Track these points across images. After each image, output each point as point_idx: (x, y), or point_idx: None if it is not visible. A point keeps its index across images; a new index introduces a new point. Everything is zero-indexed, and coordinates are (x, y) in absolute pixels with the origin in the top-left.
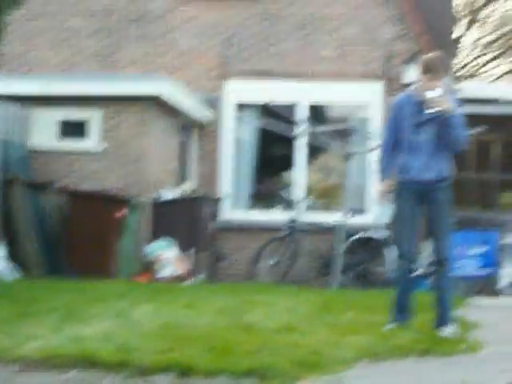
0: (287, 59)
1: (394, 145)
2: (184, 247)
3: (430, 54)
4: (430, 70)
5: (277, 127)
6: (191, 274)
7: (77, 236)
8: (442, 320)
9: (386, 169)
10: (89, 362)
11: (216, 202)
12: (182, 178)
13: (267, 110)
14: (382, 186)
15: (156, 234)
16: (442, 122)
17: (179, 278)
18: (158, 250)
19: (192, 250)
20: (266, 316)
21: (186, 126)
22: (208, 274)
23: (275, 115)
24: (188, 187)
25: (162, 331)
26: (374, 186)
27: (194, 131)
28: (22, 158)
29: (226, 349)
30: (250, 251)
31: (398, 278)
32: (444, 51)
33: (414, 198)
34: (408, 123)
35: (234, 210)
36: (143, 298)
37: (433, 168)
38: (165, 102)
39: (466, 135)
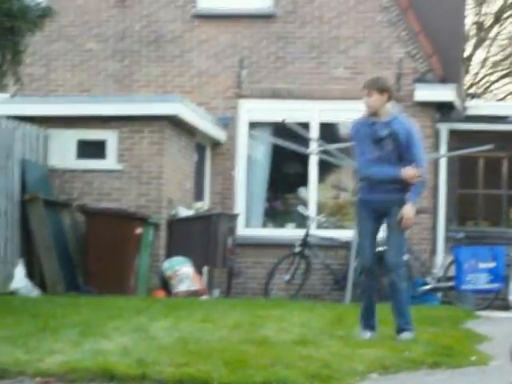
0: (300, 79)
1: None
2: (199, 263)
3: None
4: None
5: (290, 145)
6: (207, 289)
7: (96, 253)
8: (399, 326)
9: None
10: (108, 376)
11: (234, 217)
12: (197, 195)
13: (281, 129)
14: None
15: (171, 251)
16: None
17: (196, 293)
18: (176, 265)
19: (207, 267)
20: (280, 330)
21: (202, 144)
22: (224, 289)
23: (289, 133)
24: (203, 205)
25: (179, 345)
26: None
27: (209, 150)
28: (42, 178)
29: (241, 362)
30: (264, 267)
31: (364, 290)
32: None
33: (373, 217)
34: (365, 143)
35: (249, 227)
36: (161, 313)
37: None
38: (180, 121)
39: (421, 154)
